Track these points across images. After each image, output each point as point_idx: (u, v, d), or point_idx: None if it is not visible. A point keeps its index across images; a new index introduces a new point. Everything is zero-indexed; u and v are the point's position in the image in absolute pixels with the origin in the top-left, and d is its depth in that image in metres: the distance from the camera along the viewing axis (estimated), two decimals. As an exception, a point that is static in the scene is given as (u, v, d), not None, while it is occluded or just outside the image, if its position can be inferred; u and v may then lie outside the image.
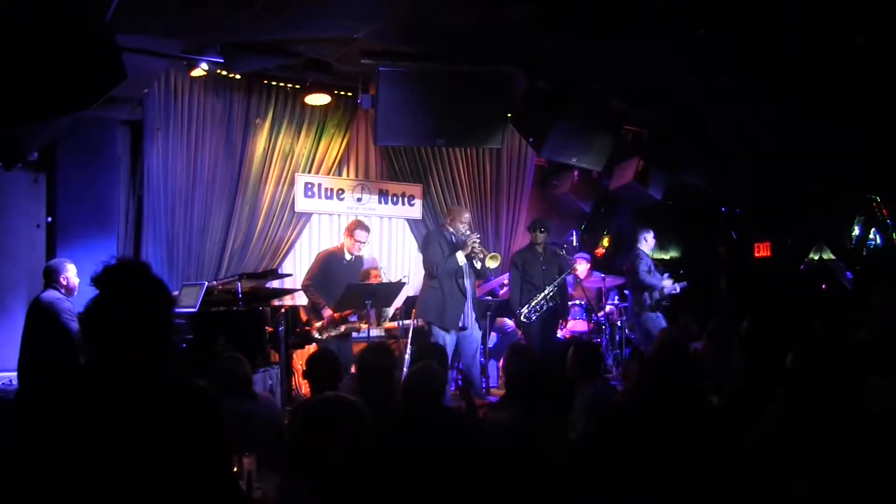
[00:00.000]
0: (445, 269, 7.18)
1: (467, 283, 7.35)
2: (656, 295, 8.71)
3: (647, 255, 8.94)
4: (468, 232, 7.34)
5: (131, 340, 2.06)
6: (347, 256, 7.58)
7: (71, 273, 6.30)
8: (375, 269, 8.59)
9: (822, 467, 2.29)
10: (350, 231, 7.61)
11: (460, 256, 7.17)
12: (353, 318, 7.53)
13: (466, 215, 7.54)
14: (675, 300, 8.89)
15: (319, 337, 7.30)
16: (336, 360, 4.70)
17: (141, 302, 2.09)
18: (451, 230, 7.40)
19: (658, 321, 8.70)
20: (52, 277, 6.26)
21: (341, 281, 7.29)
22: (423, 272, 9.60)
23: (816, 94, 6.99)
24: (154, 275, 2.15)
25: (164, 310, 2.17)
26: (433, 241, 7.36)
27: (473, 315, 7.45)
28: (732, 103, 7.75)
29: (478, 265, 7.26)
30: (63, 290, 6.23)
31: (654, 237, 9.08)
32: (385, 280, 8.21)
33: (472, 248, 7.15)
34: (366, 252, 8.90)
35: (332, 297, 7.20)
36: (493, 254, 7.35)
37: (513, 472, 3.46)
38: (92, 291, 2.10)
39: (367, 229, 7.73)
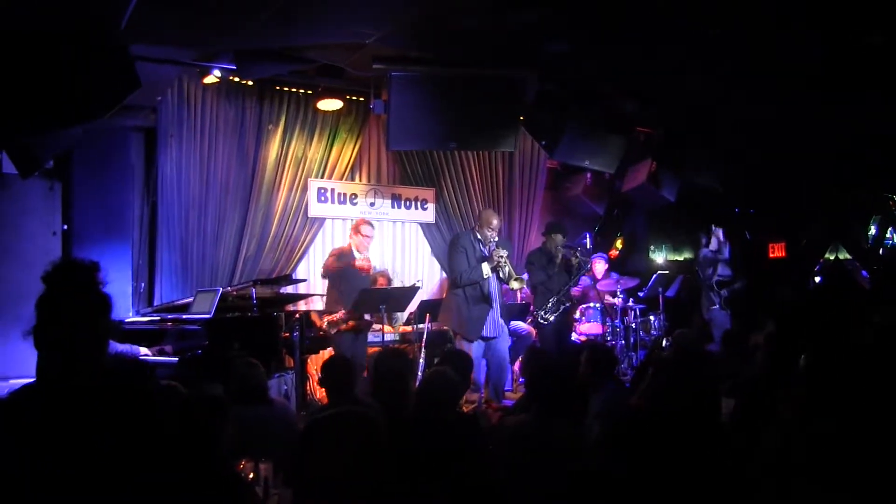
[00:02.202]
0: (469, 279, 7.12)
1: (494, 289, 7.27)
2: (724, 292, 8.79)
3: (709, 254, 9.00)
4: (496, 238, 7.30)
5: (66, 336, 2.18)
6: (357, 255, 7.65)
7: None
8: (384, 275, 8.61)
9: (834, 471, 2.27)
10: (356, 229, 7.80)
11: (486, 269, 7.08)
12: (368, 316, 7.55)
13: (495, 222, 7.37)
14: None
15: (328, 330, 7.32)
16: (351, 366, 4.71)
17: (76, 299, 2.21)
18: (479, 236, 7.33)
19: (725, 320, 8.75)
20: None
21: (353, 278, 7.52)
22: (438, 276, 9.69)
23: (830, 93, 6.96)
24: (96, 276, 2.26)
25: (97, 308, 2.27)
26: (458, 247, 7.25)
27: (501, 322, 7.37)
28: (745, 103, 7.72)
29: (502, 276, 7.21)
30: None
31: (720, 237, 9.10)
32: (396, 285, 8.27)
33: (498, 263, 7.10)
34: (376, 259, 8.97)
35: (346, 294, 7.27)
36: (517, 277, 7.26)
37: (529, 476, 3.46)
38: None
39: (372, 225, 7.93)
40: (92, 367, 2.22)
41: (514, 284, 7.24)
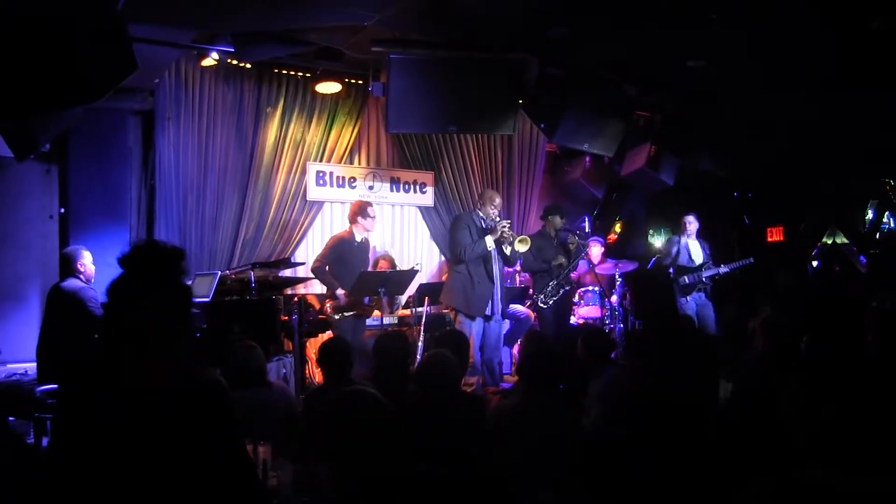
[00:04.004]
0: (473, 253, 7.12)
1: (496, 268, 7.28)
2: (683, 280, 8.81)
3: (681, 242, 9.00)
4: (498, 217, 7.31)
5: (147, 327, 2.02)
6: (358, 238, 7.62)
7: (87, 260, 6.29)
8: (385, 258, 8.60)
9: (836, 455, 2.28)
10: (356, 213, 7.65)
11: (489, 241, 7.09)
12: (366, 301, 7.52)
13: (498, 200, 7.47)
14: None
15: (334, 316, 7.31)
16: (349, 348, 4.72)
17: (162, 286, 2.06)
18: (482, 214, 7.36)
19: (686, 307, 8.77)
20: (70, 265, 6.26)
21: (355, 263, 7.43)
22: (437, 259, 9.68)
23: (830, 78, 6.94)
24: (182, 262, 2.13)
25: (183, 299, 2.14)
26: (462, 224, 7.28)
27: (500, 303, 7.38)
28: (744, 87, 7.70)
29: (507, 250, 7.21)
30: (83, 278, 6.22)
31: (691, 222, 9.05)
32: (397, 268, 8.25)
33: (502, 233, 7.10)
34: (378, 242, 8.96)
35: (347, 281, 7.24)
36: (522, 237, 7.29)
37: (525, 458, 3.47)
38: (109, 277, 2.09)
39: (371, 205, 7.80)
40: (173, 366, 2.06)
41: (520, 247, 7.24)
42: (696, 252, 9.01)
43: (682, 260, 9.00)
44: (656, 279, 9.37)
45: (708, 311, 8.81)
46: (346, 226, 7.81)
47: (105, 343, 2.09)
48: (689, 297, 8.85)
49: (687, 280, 8.88)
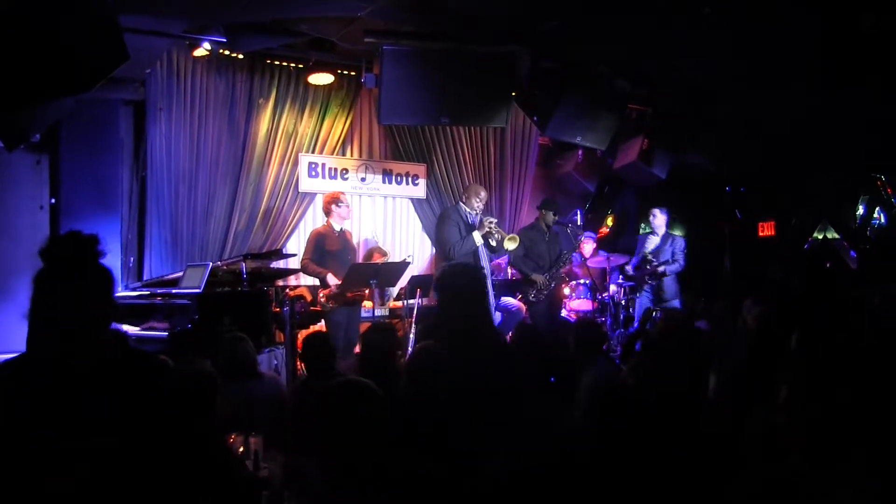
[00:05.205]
0: (462, 250, 7.12)
1: (484, 263, 7.30)
2: (634, 273, 8.88)
3: (648, 236, 9.01)
4: (481, 207, 7.34)
5: (66, 314, 2.11)
6: (337, 228, 7.62)
7: None
8: (378, 250, 8.59)
9: (824, 452, 2.28)
10: (329, 203, 7.64)
11: (477, 237, 7.14)
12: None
13: (483, 194, 7.54)
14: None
15: (326, 305, 7.30)
16: (329, 340, 4.73)
17: (75, 274, 2.15)
18: (466, 208, 7.39)
19: (640, 300, 8.82)
20: None
21: (339, 252, 7.44)
22: (428, 251, 9.68)
23: (822, 74, 6.95)
24: (96, 249, 2.18)
25: (98, 284, 2.20)
26: (450, 221, 7.28)
27: (492, 296, 7.40)
28: (737, 83, 7.71)
29: (493, 243, 7.24)
30: None
31: (655, 215, 9.02)
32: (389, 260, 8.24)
33: (489, 229, 7.12)
34: (369, 234, 8.95)
35: (338, 272, 7.23)
36: (511, 235, 7.31)
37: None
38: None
39: (343, 193, 7.87)
40: (92, 346, 2.14)
41: (509, 245, 7.28)
42: (648, 248, 9.00)
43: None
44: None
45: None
46: (325, 221, 7.75)
47: (32, 332, 2.19)
48: (638, 295, 8.88)
49: (635, 275, 8.95)
